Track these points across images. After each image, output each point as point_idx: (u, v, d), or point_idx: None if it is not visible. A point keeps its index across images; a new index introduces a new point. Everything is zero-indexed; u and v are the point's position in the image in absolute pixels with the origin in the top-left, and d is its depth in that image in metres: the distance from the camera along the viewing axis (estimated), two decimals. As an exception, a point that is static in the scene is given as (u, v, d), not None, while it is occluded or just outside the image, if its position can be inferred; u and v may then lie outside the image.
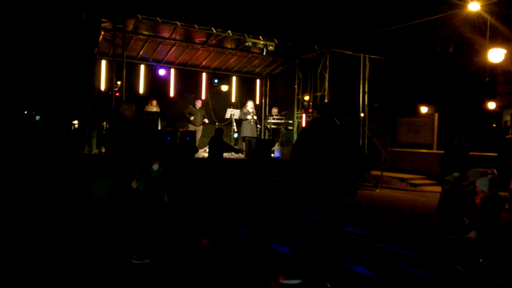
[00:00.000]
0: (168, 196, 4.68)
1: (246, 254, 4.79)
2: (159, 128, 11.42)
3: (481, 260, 4.18)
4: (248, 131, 12.39)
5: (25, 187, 7.76)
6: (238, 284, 3.94)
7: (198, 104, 12.27)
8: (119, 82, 9.98)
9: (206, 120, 12.33)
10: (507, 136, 8.31)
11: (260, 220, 6.73)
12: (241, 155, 11.72)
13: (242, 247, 5.11)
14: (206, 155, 11.04)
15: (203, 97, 13.72)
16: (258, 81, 15.37)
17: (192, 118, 11.96)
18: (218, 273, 4.17)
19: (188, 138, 10.29)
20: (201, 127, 12.22)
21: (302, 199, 3.97)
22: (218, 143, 8.36)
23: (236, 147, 12.29)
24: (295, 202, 4.03)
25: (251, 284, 3.94)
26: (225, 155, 11.70)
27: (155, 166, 4.51)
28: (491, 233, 4.21)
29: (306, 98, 14.09)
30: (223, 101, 14.04)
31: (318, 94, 12.75)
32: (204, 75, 14.15)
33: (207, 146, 11.45)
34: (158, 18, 10.04)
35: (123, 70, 9.89)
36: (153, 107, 11.68)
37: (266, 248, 5.00)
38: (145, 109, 11.41)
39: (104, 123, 10.46)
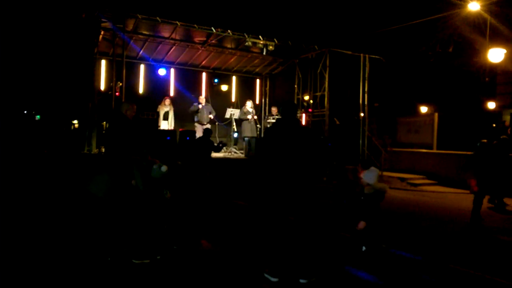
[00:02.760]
0: (171, 193, 4.63)
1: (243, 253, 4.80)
2: (173, 127, 11.36)
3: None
4: (248, 131, 12.36)
5: (25, 187, 7.76)
6: (236, 283, 3.94)
7: (202, 100, 11.86)
8: (120, 84, 9.95)
9: (211, 116, 11.89)
10: (502, 137, 8.60)
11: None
12: (240, 155, 11.73)
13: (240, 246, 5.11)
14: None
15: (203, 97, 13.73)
16: (258, 80, 15.38)
17: (199, 114, 11.54)
18: (217, 272, 4.17)
19: (188, 138, 10.29)
20: (209, 125, 11.78)
21: (273, 197, 4.07)
22: (206, 143, 8.31)
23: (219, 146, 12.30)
24: (269, 201, 4.14)
25: (246, 282, 3.95)
26: (226, 155, 11.72)
27: (164, 168, 4.44)
28: (376, 221, 4.62)
29: (306, 98, 14.09)
30: (223, 100, 14.03)
31: (318, 94, 12.76)
32: (204, 74, 14.15)
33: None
34: (158, 18, 10.05)
35: (123, 70, 9.89)
36: (166, 107, 11.50)
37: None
38: (157, 109, 11.32)
39: (104, 123, 10.46)
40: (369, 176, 4.61)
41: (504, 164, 8.30)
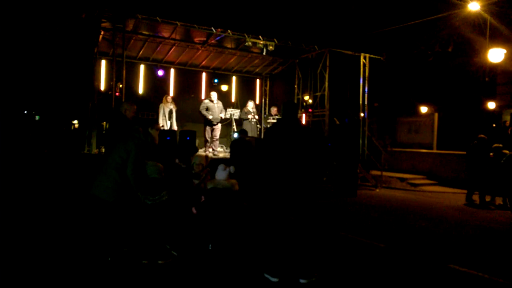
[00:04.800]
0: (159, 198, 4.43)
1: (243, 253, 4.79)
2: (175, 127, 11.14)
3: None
4: (249, 131, 12.32)
5: (25, 187, 7.76)
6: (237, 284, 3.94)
7: (214, 97, 11.16)
8: (120, 85, 9.93)
9: (222, 115, 11.33)
10: (479, 136, 9.24)
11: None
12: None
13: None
14: (206, 154, 10.99)
15: (203, 96, 13.69)
16: (258, 81, 15.37)
17: (210, 114, 10.97)
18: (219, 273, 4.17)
19: (188, 138, 10.25)
20: (220, 125, 11.31)
21: (273, 197, 4.08)
22: (245, 145, 8.02)
23: None
24: (269, 201, 4.14)
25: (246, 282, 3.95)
26: (226, 155, 11.70)
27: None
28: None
29: (306, 98, 14.07)
30: (223, 101, 13.92)
31: (318, 94, 12.75)
32: (204, 75, 14.14)
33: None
34: (158, 18, 10.04)
35: (123, 70, 9.88)
36: (170, 104, 11.25)
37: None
38: (159, 107, 11.16)
39: (104, 123, 10.46)
40: (220, 173, 4.71)
41: (482, 163, 8.92)
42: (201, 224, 4.82)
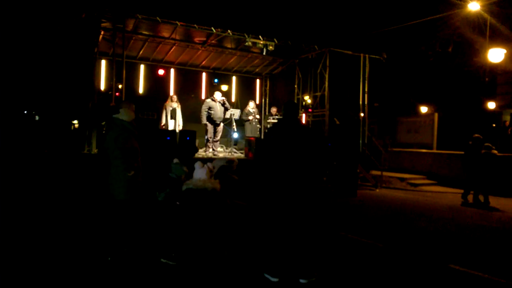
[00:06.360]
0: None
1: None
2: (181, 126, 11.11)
3: None
4: (249, 131, 12.32)
5: (25, 187, 7.75)
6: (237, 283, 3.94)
7: (218, 96, 10.97)
8: (120, 86, 9.92)
9: (228, 108, 11.09)
10: (474, 135, 9.21)
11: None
12: (240, 155, 11.71)
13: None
14: (202, 154, 10.99)
15: (203, 96, 13.70)
16: (258, 81, 15.37)
17: (212, 112, 10.85)
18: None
19: (188, 138, 10.24)
20: (222, 125, 11.17)
21: (273, 198, 4.07)
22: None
23: (236, 147, 12.21)
24: (269, 201, 4.14)
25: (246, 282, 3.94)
26: (225, 155, 11.70)
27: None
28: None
29: (306, 98, 14.07)
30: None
31: (318, 94, 12.76)
32: (204, 75, 14.15)
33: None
34: (158, 18, 10.04)
35: (123, 70, 9.88)
36: (173, 103, 11.24)
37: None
38: (164, 106, 11.19)
39: (104, 123, 10.44)
40: (196, 172, 4.42)
41: (477, 163, 9.01)
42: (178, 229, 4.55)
